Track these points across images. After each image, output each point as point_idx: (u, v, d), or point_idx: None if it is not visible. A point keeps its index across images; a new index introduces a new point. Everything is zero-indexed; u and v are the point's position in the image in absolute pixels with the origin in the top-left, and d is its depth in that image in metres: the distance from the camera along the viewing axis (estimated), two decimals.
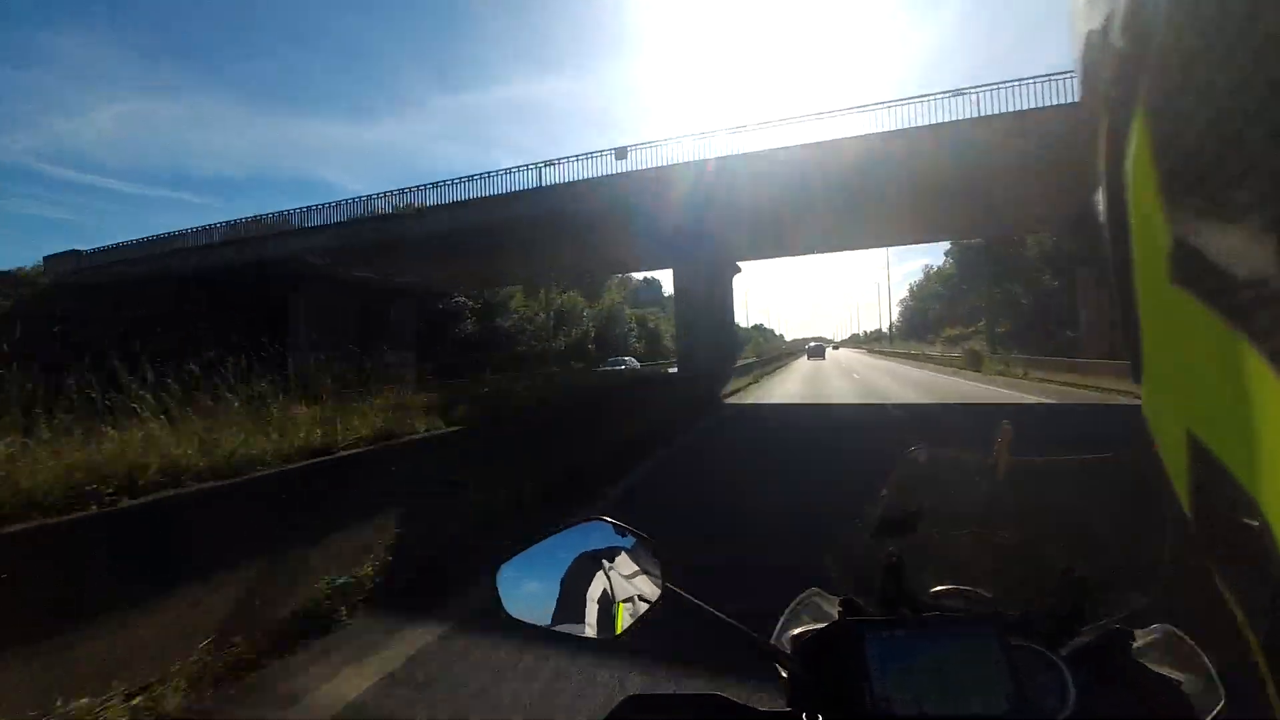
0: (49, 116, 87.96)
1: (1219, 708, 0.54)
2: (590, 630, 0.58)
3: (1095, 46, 0.19)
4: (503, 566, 0.61)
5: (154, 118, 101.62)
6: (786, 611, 0.78)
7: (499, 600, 0.60)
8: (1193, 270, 0.16)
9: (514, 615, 0.60)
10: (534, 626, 0.59)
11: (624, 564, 0.60)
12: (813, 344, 75.46)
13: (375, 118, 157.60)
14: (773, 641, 0.66)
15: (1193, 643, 0.61)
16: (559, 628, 0.59)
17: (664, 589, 0.59)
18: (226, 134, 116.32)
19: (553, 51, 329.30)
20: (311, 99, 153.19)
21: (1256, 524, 0.15)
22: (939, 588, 0.67)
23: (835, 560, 0.71)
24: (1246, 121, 0.14)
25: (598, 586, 0.59)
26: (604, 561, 0.60)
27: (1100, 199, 0.20)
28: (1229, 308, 0.15)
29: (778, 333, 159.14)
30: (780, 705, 0.59)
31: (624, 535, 0.61)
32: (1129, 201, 0.18)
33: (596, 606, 0.59)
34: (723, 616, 0.59)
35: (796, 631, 0.69)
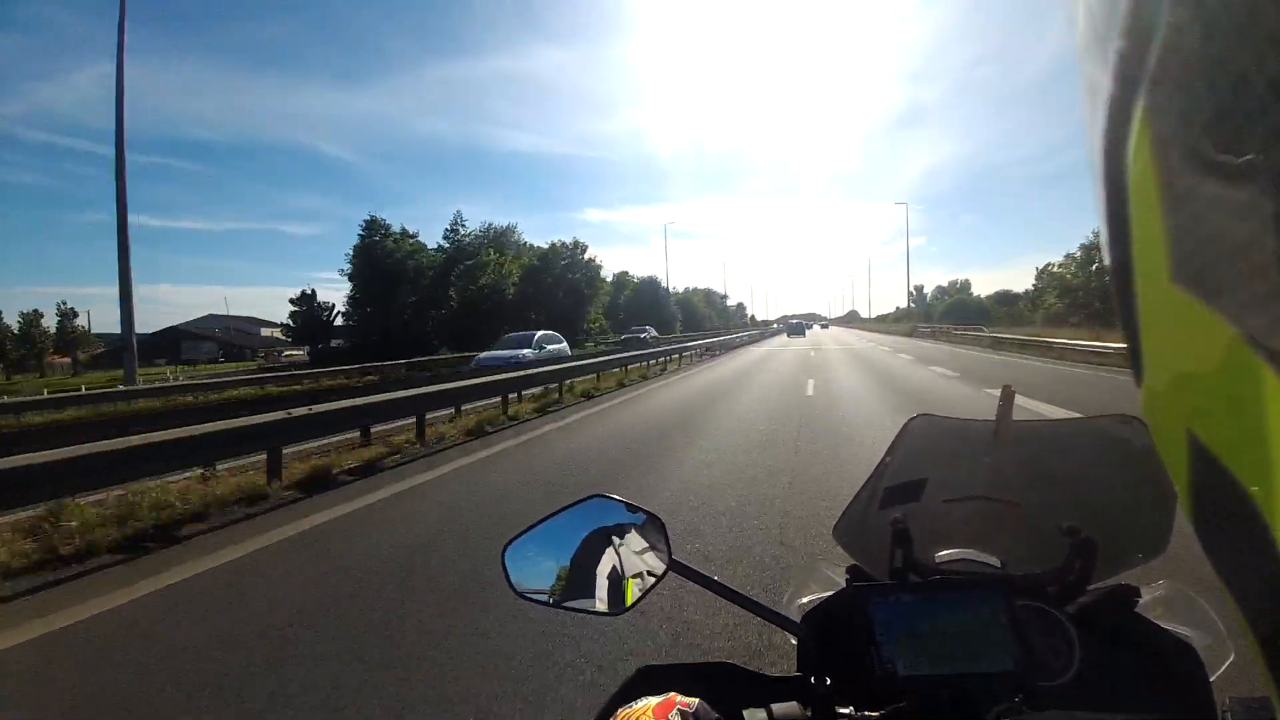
0: (29, 82, 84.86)
1: (1229, 662, 0.55)
2: (599, 605, 0.59)
3: (1095, 47, 0.19)
4: (510, 545, 0.62)
5: (138, 82, 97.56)
6: (794, 580, 0.80)
7: (508, 579, 0.61)
8: (1193, 270, 0.16)
9: (522, 593, 0.61)
10: (542, 603, 0.60)
11: (629, 539, 0.61)
12: (793, 321, 72.87)
13: (365, 86, 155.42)
14: (781, 610, 0.66)
15: (1200, 599, 0.62)
16: (567, 604, 0.60)
17: (669, 562, 0.60)
18: (212, 100, 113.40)
19: (547, 24, 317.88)
20: (300, 66, 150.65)
21: (1256, 523, 0.16)
22: (945, 553, 0.68)
23: (841, 528, 0.71)
24: (1246, 121, 0.14)
25: (604, 562, 0.60)
26: (610, 538, 0.61)
27: (1100, 199, 0.20)
28: (1229, 308, 0.15)
29: (748, 311, 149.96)
30: (790, 671, 0.60)
31: (631, 512, 0.62)
32: (1129, 201, 0.19)
33: (604, 581, 0.60)
34: (729, 587, 0.60)
35: (804, 599, 0.71)
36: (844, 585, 0.67)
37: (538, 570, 0.61)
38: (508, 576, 0.61)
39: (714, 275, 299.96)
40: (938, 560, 0.67)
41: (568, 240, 45.51)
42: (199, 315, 58.43)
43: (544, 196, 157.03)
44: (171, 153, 69.30)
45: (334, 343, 41.04)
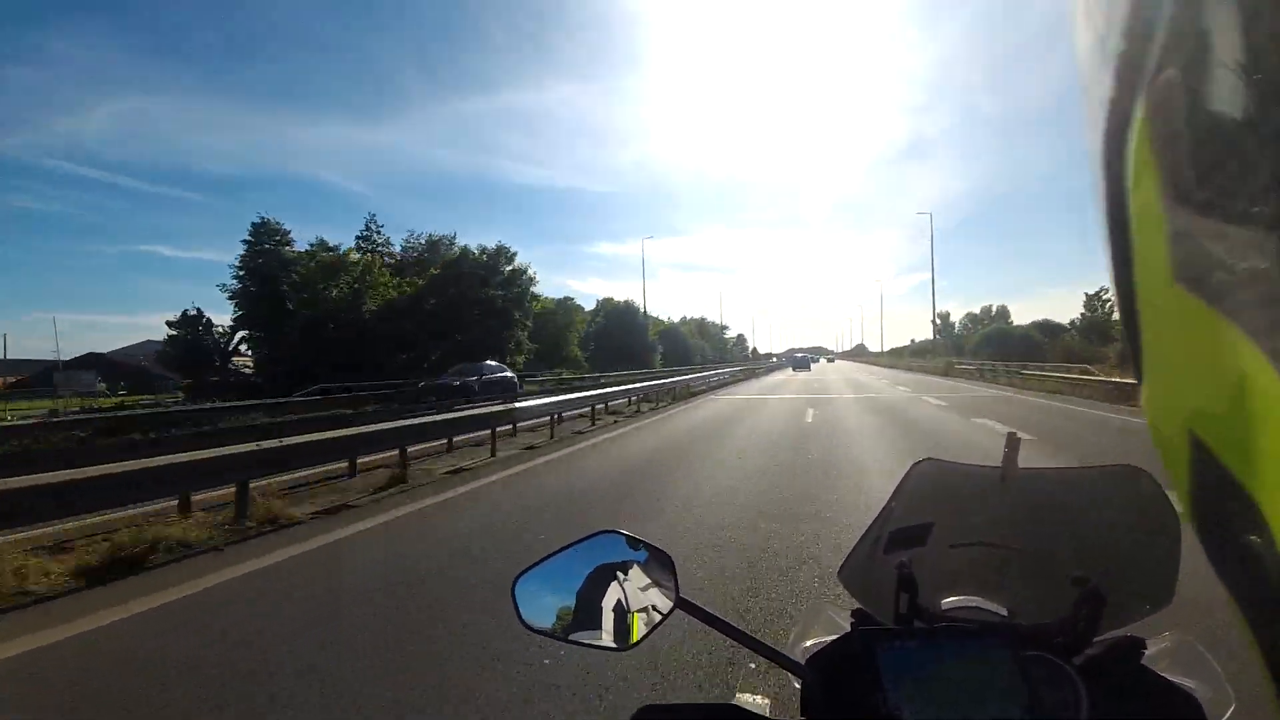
0: (49, 114, 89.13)
1: (1229, 713, 0.61)
2: (605, 640, 0.64)
3: (1096, 48, 0.21)
4: (519, 579, 0.67)
5: (154, 116, 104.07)
6: (798, 623, 0.87)
7: (518, 612, 0.66)
8: (1193, 270, 0.18)
9: (531, 626, 0.66)
10: (550, 636, 0.65)
11: (637, 576, 0.66)
12: (798, 355, 77.18)
13: (376, 121, 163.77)
14: (786, 653, 0.71)
15: (1203, 650, 0.68)
16: (575, 638, 0.64)
17: (677, 600, 0.65)
18: (226, 134, 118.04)
19: (560, 59, 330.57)
20: (312, 101, 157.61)
21: (1256, 523, 0.17)
22: (951, 599, 0.73)
23: (847, 572, 0.76)
24: (1246, 121, 0.15)
25: (612, 598, 0.65)
26: (618, 574, 0.66)
27: (1100, 199, 0.22)
28: (1229, 308, 0.17)
29: (749, 344, 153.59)
30: (794, 716, 0.65)
31: (637, 548, 0.67)
32: (1129, 201, 0.20)
33: (611, 617, 0.65)
34: (737, 627, 0.64)
35: (809, 643, 0.77)
36: (849, 629, 0.71)
37: (546, 604, 0.66)
38: (517, 609, 0.66)
39: (719, 308, 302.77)
40: (944, 607, 0.72)
41: (489, 245, 36.69)
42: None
43: (554, 231, 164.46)
44: (187, 185, 74.00)
45: (242, 368, 36.94)
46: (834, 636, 0.72)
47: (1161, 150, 0.18)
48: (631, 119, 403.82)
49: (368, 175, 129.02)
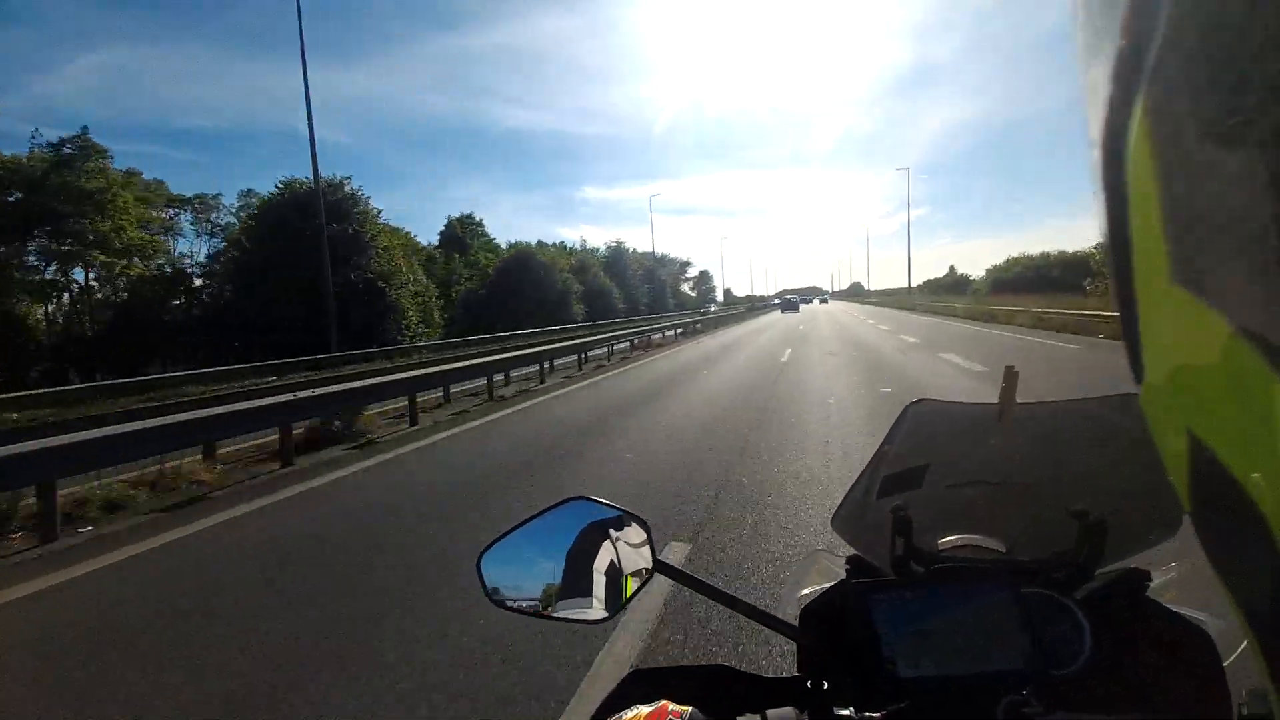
0: (27, 75, 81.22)
1: (1244, 646, 0.60)
2: (581, 611, 0.61)
3: (1095, 46, 0.21)
4: (486, 553, 0.63)
5: (132, 70, 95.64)
6: (792, 572, 0.93)
7: (484, 588, 0.63)
8: (1192, 270, 0.18)
9: (500, 601, 0.62)
10: (522, 611, 0.62)
11: (611, 542, 0.63)
12: (788, 297, 76.66)
13: (359, 65, 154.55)
14: (781, 604, 0.70)
15: (1215, 580, 0.68)
16: (548, 612, 0.61)
17: (655, 564, 0.63)
18: (206, 85, 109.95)
19: None
20: (292, 47, 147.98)
21: (1256, 523, 0.17)
22: (948, 539, 0.72)
23: (840, 518, 0.75)
24: (1246, 121, 0.16)
25: (586, 566, 0.62)
26: (591, 541, 0.63)
27: (1100, 199, 0.22)
28: (1228, 307, 0.17)
29: (716, 284, 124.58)
30: (787, 671, 0.63)
31: (609, 513, 0.64)
32: (1129, 200, 0.20)
33: (587, 587, 0.62)
34: (720, 589, 0.62)
35: (805, 591, 0.75)
36: (844, 576, 0.70)
37: (516, 577, 0.63)
38: (484, 585, 0.63)
39: (715, 252, 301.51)
40: (940, 547, 0.71)
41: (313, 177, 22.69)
42: None
43: (542, 175, 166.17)
44: (165, 141, 70.38)
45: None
46: (830, 584, 0.71)
47: (1161, 150, 0.18)
48: (623, 56, 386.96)
49: (350, 123, 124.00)
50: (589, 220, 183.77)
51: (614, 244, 65.14)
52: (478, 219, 55.21)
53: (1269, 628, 0.19)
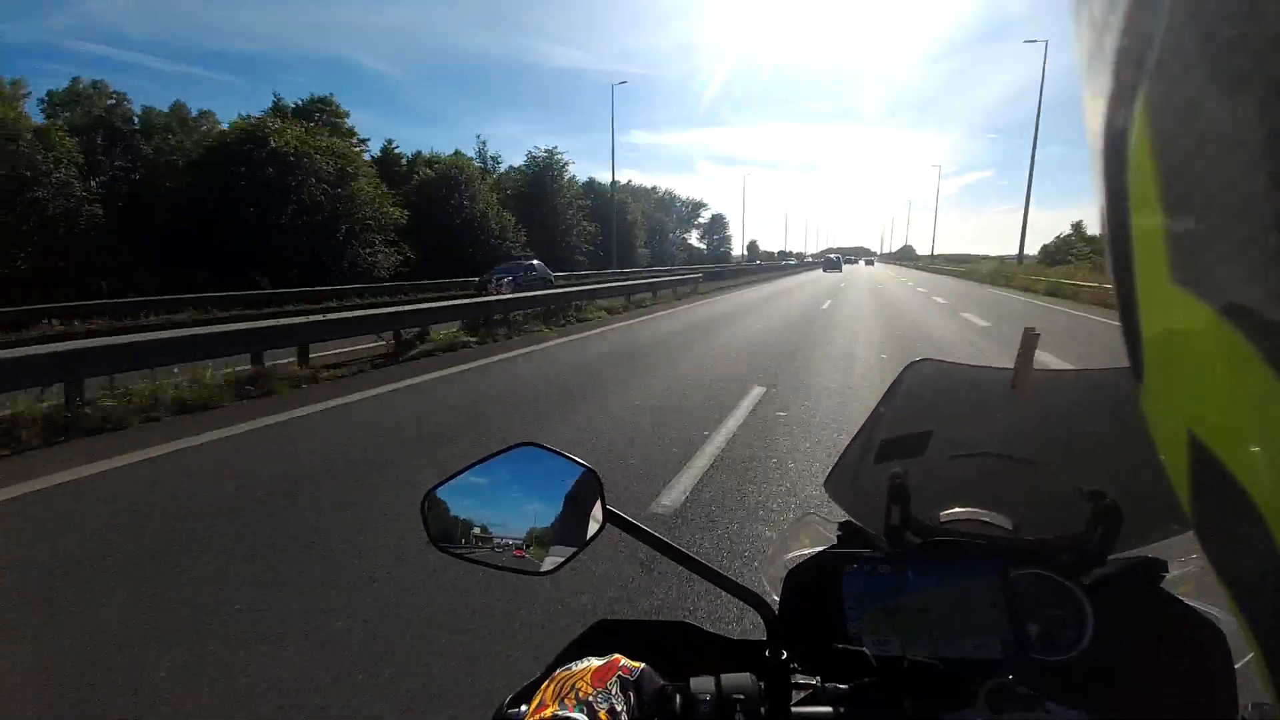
0: None
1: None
2: (526, 562, 0.59)
3: (1096, 48, 0.21)
4: (429, 494, 0.62)
5: None
6: (781, 534, 0.87)
7: (427, 529, 0.62)
8: (1193, 270, 0.18)
9: (443, 546, 0.61)
10: (464, 558, 0.61)
11: (560, 492, 0.61)
12: (831, 256, 74.48)
13: None
14: (765, 567, 0.72)
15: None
16: (491, 561, 0.60)
17: (605, 514, 0.61)
18: (249, 9, 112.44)
19: None
20: None
21: (1256, 524, 0.18)
22: (952, 511, 0.69)
23: (834, 481, 0.71)
24: (1246, 121, 0.16)
25: (532, 515, 0.60)
26: (539, 489, 0.61)
27: (1100, 199, 0.22)
28: (1229, 307, 0.17)
29: (731, 235, 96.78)
30: (761, 631, 0.61)
31: (559, 461, 0.61)
32: (1129, 201, 0.21)
33: (533, 536, 0.60)
34: (674, 545, 0.60)
35: (790, 555, 0.73)
36: (834, 543, 0.67)
37: (461, 522, 0.61)
38: (427, 527, 0.61)
39: (764, 205, 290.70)
40: (943, 519, 0.68)
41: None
42: None
43: (588, 118, 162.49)
44: (209, 64, 71.81)
45: None
46: (817, 550, 0.69)
47: (1161, 150, 0.19)
48: None
49: (396, 55, 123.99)
50: (635, 165, 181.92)
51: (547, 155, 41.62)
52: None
53: (1269, 628, 0.19)
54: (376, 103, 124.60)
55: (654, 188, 78.30)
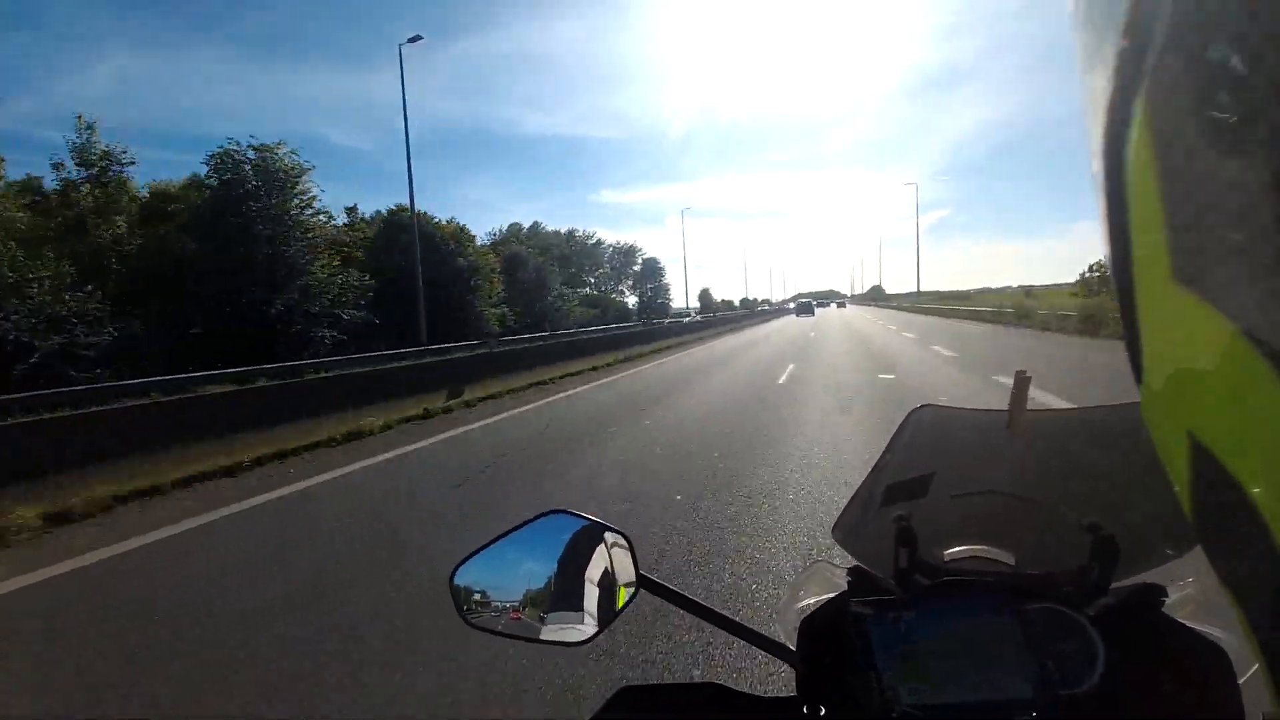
0: (48, 79, 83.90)
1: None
2: (560, 633, 0.59)
3: (1096, 48, 0.21)
4: (459, 569, 0.61)
5: (150, 74, 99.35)
6: (792, 585, 0.86)
7: (458, 607, 0.61)
8: (1193, 270, 0.18)
9: (474, 622, 0.60)
10: (496, 633, 0.60)
11: (592, 558, 0.61)
12: (803, 300, 72.46)
13: (375, 70, 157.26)
14: (780, 615, 0.70)
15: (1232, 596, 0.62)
16: (525, 634, 0.59)
17: (638, 579, 0.61)
18: (224, 90, 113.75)
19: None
20: (309, 51, 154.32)
21: (1256, 524, 0.17)
22: (956, 550, 0.70)
23: (842, 527, 0.73)
24: (1247, 122, 0.16)
25: (565, 584, 0.60)
26: (570, 556, 0.61)
27: (1100, 199, 0.22)
28: (1229, 307, 0.17)
29: (685, 293, 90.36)
30: (783, 690, 0.62)
31: (589, 527, 0.61)
32: (1129, 201, 0.21)
33: (566, 606, 0.59)
34: (709, 606, 0.60)
35: (803, 604, 0.73)
36: (845, 589, 0.67)
37: (491, 596, 0.60)
38: (457, 604, 0.61)
39: (733, 255, 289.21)
40: (947, 558, 0.69)
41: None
42: None
43: (557, 180, 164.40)
44: (182, 147, 70.53)
45: None
46: (829, 596, 0.69)
47: (1161, 150, 0.19)
48: (638, 59, 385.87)
49: (368, 129, 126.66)
50: (606, 224, 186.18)
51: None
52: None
53: (1270, 629, 0.19)
54: (345, 174, 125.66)
55: (570, 231, 62.24)
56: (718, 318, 43.45)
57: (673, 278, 79.41)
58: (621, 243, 68.20)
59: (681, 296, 77.31)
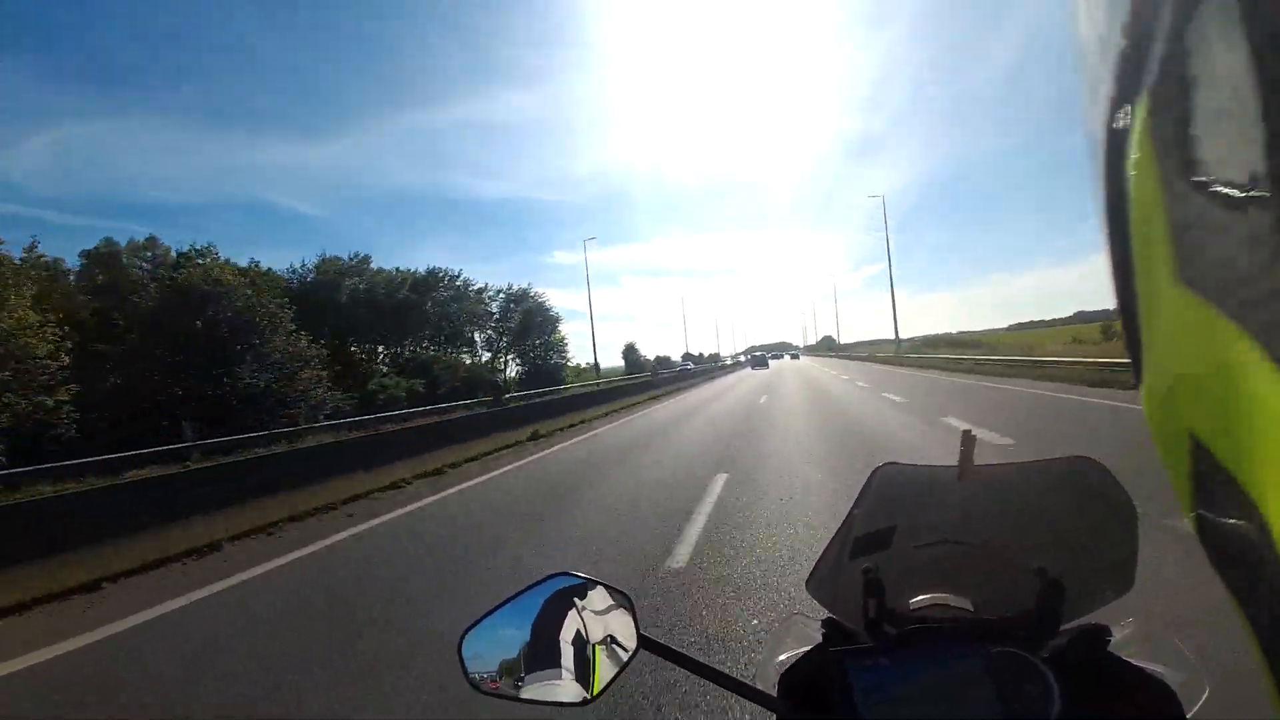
0: None
1: (1204, 697, 0.60)
2: (564, 694, 0.60)
3: (1095, 47, 0.21)
4: (466, 635, 0.62)
5: (91, 144, 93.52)
6: (769, 638, 0.91)
7: (465, 672, 0.62)
8: (1193, 270, 0.18)
9: (481, 687, 0.61)
10: (502, 696, 0.61)
11: (594, 619, 0.63)
12: (757, 354, 73.84)
13: (324, 139, 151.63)
14: (757, 671, 0.71)
15: (1170, 634, 0.68)
16: (529, 695, 0.60)
17: (639, 639, 0.62)
18: (168, 159, 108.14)
19: (508, 68, 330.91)
20: (258, 121, 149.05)
21: (1256, 524, 0.17)
22: (918, 598, 0.73)
23: (815, 581, 0.76)
24: (1247, 122, 0.16)
25: (568, 646, 0.61)
26: (572, 619, 0.62)
27: (1100, 199, 0.23)
28: (1229, 307, 0.17)
29: (592, 349, 62.42)
30: None
31: (591, 588, 0.63)
32: (1129, 201, 0.21)
33: (569, 668, 0.61)
34: (702, 662, 0.62)
35: (782, 657, 0.76)
36: (820, 641, 0.71)
37: (496, 660, 0.61)
38: (464, 669, 0.62)
39: (690, 312, 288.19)
40: (912, 607, 0.72)
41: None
42: None
43: (512, 242, 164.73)
44: (126, 216, 70.52)
45: None
46: (806, 649, 0.72)
47: (1162, 150, 0.19)
48: (586, 126, 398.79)
49: (319, 195, 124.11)
50: (559, 285, 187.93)
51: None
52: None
53: (1270, 629, 0.19)
54: (298, 241, 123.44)
55: (432, 270, 46.71)
56: (658, 377, 34.09)
57: (622, 334, 70.51)
58: (514, 287, 51.95)
59: (595, 352, 56.68)
